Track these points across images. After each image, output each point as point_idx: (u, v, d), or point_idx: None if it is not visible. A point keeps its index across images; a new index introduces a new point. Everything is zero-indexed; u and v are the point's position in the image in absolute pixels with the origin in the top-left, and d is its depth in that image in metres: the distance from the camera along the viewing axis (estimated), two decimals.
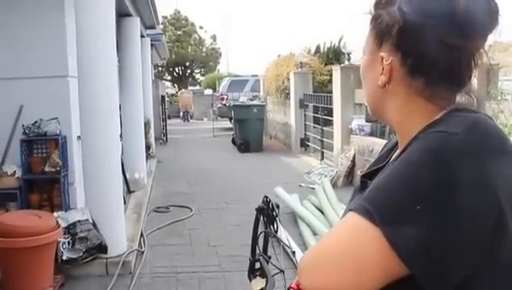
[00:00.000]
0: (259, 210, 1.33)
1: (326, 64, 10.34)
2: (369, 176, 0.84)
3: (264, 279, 1.27)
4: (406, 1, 0.72)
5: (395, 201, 0.64)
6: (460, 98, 0.75)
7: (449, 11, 0.69)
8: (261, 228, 1.47)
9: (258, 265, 1.38)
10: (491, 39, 0.73)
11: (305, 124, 9.67)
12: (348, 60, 7.61)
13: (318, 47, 11.43)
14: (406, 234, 0.62)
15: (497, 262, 0.66)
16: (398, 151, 0.80)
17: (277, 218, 1.31)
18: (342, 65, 7.65)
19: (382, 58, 0.75)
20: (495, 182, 0.64)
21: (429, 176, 0.63)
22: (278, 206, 1.35)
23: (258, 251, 1.39)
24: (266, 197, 1.40)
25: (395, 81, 0.75)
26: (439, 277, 0.63)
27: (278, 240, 1.38)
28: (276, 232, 1.39)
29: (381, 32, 0.76)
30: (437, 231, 0.62)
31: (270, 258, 1.49)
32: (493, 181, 0.64)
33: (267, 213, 1.30)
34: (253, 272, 1.33)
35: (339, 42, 11.29)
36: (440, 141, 0.65)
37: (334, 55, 10.84)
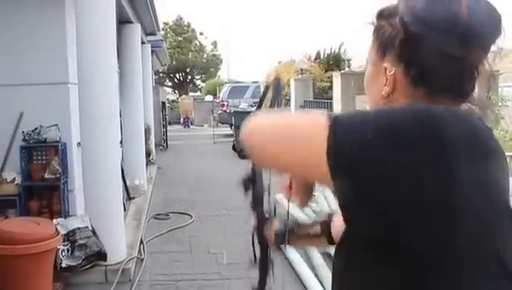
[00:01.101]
0: (266, 88, 1.25)
1: (326, 71, 10.37)
2: None
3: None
4: (408, 12, 0.72)
5: (359, 124, 0.65)
6: (463, 108, 0.74)
7: (451, 22, 0.69)
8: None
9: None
10: (493, 49, 0.73)
11: None
12: (349, 66, 7.63)
13: (318, 54, 11.46)
14: (346, 134, 0.63)
15: (449, 248, 0.63)
16: None
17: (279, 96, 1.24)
18: (342, 72, 7.66)
19: (386, 69, 0.75)
20: (456, 160, 0.62)
21: (403, 120, 0.64)
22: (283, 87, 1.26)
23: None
24: (275, 77, 1.32)
25: (398, 92, 0.75)
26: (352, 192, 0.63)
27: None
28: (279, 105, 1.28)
29: (383, 43, 0.76)
30: (374, 154, 0.62)
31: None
32: (454, 158, 0.62)
33: (276, 93, 1.21)
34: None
35: (339, 48, 11.33)
36: (426, 106, 0.69)
37: (334, 62, 10.87)
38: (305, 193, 0.96)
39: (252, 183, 1.13)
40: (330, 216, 1.08)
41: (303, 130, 0.69)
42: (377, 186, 0.62)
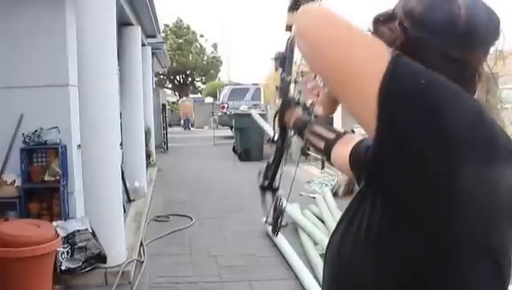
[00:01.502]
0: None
1: None
2: None
3: None
4: (407, 16, 0.72)
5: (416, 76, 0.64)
6: None
7: (451, 25, 0.69)
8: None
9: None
10: (492, 51, 0.73)
11: None
12: None
13: None
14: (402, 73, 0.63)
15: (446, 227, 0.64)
16: None
17: None
18: None
19: None
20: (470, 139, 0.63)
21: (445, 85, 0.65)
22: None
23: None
24: None
25: None
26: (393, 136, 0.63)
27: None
28: None
29: None
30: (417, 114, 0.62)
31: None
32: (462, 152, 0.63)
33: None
34: (292, 10, 1.25)
35: None
36: (470, 96, 0.70)
37: None
38: (331, 104, 0.97)
39: (282, 66, 1.17)
40: (338, 137, 1.09)
41: (367, 41, 0.68)
42: (405, 150, 0.63)
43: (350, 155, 0.96)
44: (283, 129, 1.22)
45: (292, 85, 1.21)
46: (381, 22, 0.77)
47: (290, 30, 1.23)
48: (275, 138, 1.26)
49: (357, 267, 0.73)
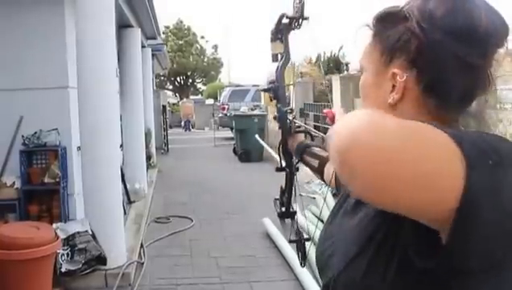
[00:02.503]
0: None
1: (326, 74, 10.40)
2: None
3: (282, 45, 1.27)
4: (426, 17, 0.69)
5: (481, 147, 0.58)
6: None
7: (473, 31, 0.67)
8: None
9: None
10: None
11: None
12: (347, 70, 7.68)
13: (318, 57, 11.49)
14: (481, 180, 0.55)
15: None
16: None
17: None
18: (341, 75, 7.68)
19: (395, 74, 0.71)
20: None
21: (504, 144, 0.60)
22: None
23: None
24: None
25: (408, 100, 0.71)
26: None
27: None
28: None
29: (391, 48, 0.72)
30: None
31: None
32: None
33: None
34: (275, 39, 1.28)
35: (338, 51, 11.36)
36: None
37: (334, 65, 10.90)
38: None
39: (276, 96, 1.24)
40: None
41: (431, 140, 0.57)
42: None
43: (333, 173, 0.98)
44: (289, 156, 1.29)
45: (291, 106, 1.31)
46: (386, 21, 0.73)
47: (276, 59, 1.29)
48: (283, 166, 1.34)
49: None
